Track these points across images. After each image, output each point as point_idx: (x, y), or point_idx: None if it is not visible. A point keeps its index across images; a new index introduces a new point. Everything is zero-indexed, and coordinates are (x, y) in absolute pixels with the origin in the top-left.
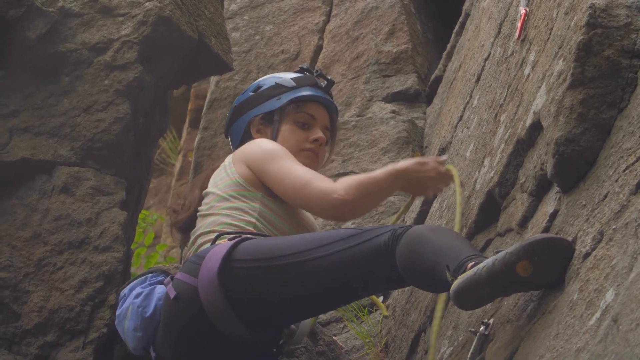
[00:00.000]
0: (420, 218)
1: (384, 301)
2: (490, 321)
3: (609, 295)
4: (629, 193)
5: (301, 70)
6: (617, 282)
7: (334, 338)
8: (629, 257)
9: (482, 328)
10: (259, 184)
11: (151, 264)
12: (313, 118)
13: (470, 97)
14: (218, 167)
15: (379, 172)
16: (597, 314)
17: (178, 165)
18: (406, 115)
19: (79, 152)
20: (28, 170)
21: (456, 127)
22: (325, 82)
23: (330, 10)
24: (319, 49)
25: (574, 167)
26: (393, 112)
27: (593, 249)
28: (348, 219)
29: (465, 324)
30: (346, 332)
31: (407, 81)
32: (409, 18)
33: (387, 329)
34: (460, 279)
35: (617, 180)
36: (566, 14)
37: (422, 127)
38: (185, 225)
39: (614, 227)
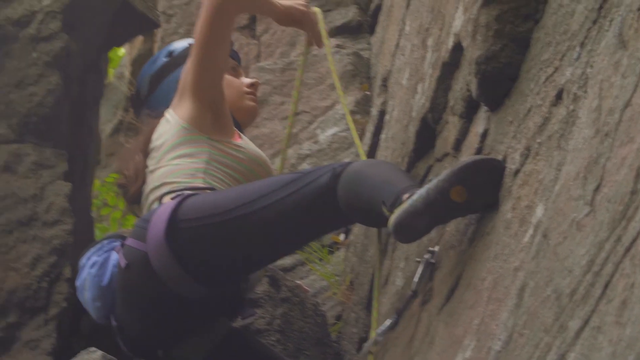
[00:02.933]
0: (372, 151)
1: (345, 238)
2: (436, 249)
3: (539, 211)
4: (550, 104)
5: None
6: (545, 197)
7: (298, 282)
8: (554, 169)
9: (428, 256)
10: (205, 125)
11: (129, 227)
12: (238, 66)
13: (403, 23)
14: (154, 127)
15: None
16: (530, 231)
17: None
18: (350, 48)
19: (16, 129)
20: None
21: (394, 55)
22: None
23: None
24: None
25: (497, 85)
26: (337, 46)
27: (522, 165)
28: (230, 7)
29: (415, 255)
30: (313, 274)
31: (347, 13)
32: None
33: (350, 266)
34: (397, 212)
35: (538, 93)
36: None
37: (368, 57)
38: (140, 196)
39: (538, 140)
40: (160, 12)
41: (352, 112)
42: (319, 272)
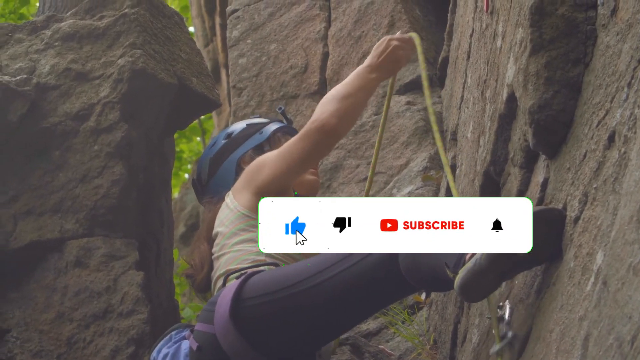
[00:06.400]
0: (448, 195)
1: (427, 297)
2: (506, 303)
3: (599, 258)
4: (604, 148)
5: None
6: (604, 243)
7: (381, 347)
8: (611, 214)
9: (499, 312)
10: None
11: None
12: None
13: (465, 75)
14: (216, 213)
15: (350, 75)
16: (592, 279)
17: None
18: (421, 103)
19: (84, 223)
20: (39, 252)
21: (460, 108)
22: (285, 119)
23: (329, 15)
24: (325, 56)
25: (552, 132)
26: (408, 103)
27: (581, 212)
28: (340, 132)
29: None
30: (398, 336)
31: (416, 69)
32: (406, 6)
33: (433, 325)
34: (461, 273)
35: (592, 137)
36: None
37: (440, 111)
38: (208, 284)
39: (594, 186)
40: (231, 87)
41: (426, 168)
42: (402, 335)
